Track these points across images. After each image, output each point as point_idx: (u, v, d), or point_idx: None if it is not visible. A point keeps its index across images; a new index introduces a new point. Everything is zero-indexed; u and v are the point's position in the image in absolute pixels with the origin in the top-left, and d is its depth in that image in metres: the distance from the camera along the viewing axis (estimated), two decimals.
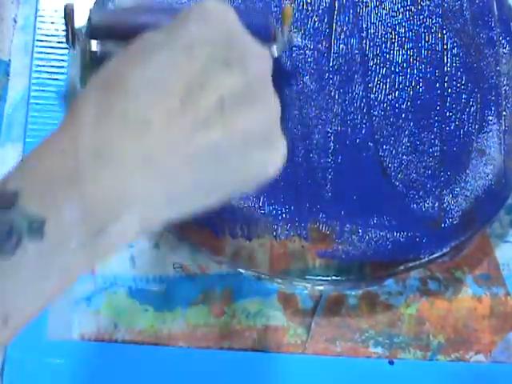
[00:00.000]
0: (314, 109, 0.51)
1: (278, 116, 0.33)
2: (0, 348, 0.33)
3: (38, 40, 0.53)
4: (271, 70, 0.33)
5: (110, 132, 0.29)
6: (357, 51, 0.53)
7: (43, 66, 0.52)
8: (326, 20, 0.53)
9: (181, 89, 0.30)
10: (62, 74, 0.52)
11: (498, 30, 0.55)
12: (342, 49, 0.53)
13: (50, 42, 0.53)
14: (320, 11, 0.53)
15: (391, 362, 0.49)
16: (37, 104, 0.51)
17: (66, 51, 0.52)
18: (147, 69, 0.30)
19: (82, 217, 0.28)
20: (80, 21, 0.53)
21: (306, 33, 0.53)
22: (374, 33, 0.53)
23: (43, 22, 0.53)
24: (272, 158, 0.33)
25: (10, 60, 0.53)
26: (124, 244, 0.30)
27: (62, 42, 0.52)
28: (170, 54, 0.31)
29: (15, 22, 0.53)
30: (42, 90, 0.51)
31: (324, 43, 0.53)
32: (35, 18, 0.53)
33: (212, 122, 0.30)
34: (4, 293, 0.28)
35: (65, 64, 0.52)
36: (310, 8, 0.53)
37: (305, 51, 0.52)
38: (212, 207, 0.33)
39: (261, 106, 0.32)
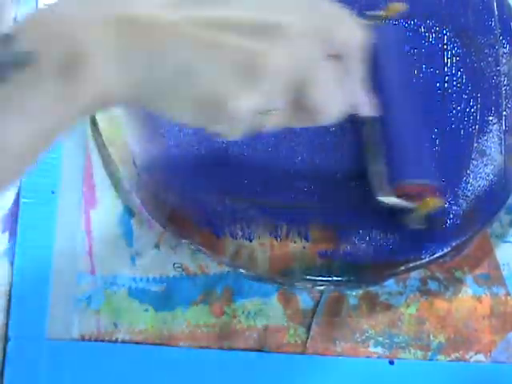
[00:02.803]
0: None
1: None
2: None
3: None
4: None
5: None
6: None
7: None
8: None
9: None
10: None
11: (499, 29, 0.55)
12: None
13: None
14: None
15: (391, 362, 0.49)
16: None
17: None
18: None
19: (60, 50, 0.30)
20: None
21: None
22: None
23: None
24: (241, 95, 0.33)
25: None
26: (97, 98, 0.31)
27: None
28: None
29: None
30: None
31: None
32: None
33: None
34: None
35: None
36: None
37: None
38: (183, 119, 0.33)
39: (265, 45, 0.32)
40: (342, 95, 0.36)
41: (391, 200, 0.45)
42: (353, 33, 0.36)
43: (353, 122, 0.46)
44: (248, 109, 0.33)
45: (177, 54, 0.32)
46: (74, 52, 0.31)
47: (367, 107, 0.40)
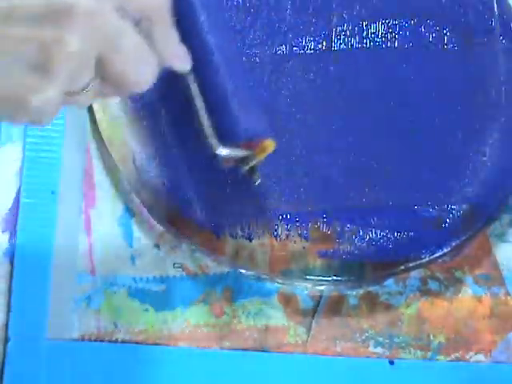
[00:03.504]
0: (313, 112, 0.51)
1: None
2: None
3: None
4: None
5: None
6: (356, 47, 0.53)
7: None
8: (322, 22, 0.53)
9: None
10: None
11: (498, 29, 0.55)
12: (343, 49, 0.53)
13: None
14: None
15: (391, 362, 0.49)
16: None
17: None
18: None
19: None
20: None
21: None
22: (373, 32, 0.53)
23: None
24: (37, 89, 0.31)
25: None
26: None
27: None
28: None
29: None
30: None
31: (324, 43, 0.53)
32: None
33: None
34: None
35: None
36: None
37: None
38: None
39: (55, 32, 0.31)
40: (148, 58, 0.35)
41: (228, 153, 0.44)
42: None
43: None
44: (53, 98, 0.32)
45: None
46: None
47: (179, 62, 0.39)
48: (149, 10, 0.35)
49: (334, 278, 0.48)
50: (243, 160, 0.44)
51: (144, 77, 0.35)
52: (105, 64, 0.33)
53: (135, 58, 0.34)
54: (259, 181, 0.47)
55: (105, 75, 0.33)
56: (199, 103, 0.43)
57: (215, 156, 0.43)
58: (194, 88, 0.43)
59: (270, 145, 0.44)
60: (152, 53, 0.35)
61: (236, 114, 0.43)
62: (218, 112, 0.43)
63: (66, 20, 0.31)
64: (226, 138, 0.43)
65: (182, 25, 0.39)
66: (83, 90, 0.33)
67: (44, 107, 0.32)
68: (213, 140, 0.43)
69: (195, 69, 0.41)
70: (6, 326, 0.47)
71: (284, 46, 0.52)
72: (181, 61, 0.39)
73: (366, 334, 0.49)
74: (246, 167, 0.45)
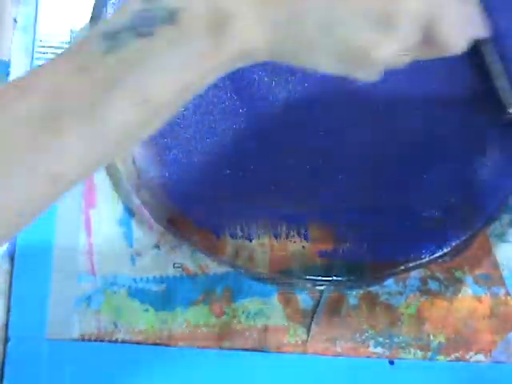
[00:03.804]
0: (311, 111, 0.51)
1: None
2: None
3: (38, 40, 0.53)
4: None
5: None
6: None
7: None
8: None
9: None
10: None
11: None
12: None
13: (50, 42, 0.53)
14: None
15: (391, 362, 0.49)
16: None
17: None
18: None
19: (207, 9, 0.32)
20: (81, 22, 0.53)
21: None
22: None
23: (43, 22, 0.53)
24: (381, 44, 0.34)
25: (9, 60, 0.53)
26: (243, 54, 0.33)
27: (61, 42, 0.52)
28: None
29: (15, 21, 0.53)
30: None
31: None
32: (35, 18, 0.53)
33: None
34: (143, 75, 0.31)
35: None
36: None
37: None
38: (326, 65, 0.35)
39: None
40: (465, 24, 0.37)
41: None
42: None
43: None
44: (389, 55, 0.34)
45: (315, 9, 0.33)
46: (219, 11, 0.32)
47: (484, 29, 0.41)
48: None
49: (334, 278, 0.48)
50: None
51: (463, 40, 0.37)
52: (433, 26, 0.35)
53: (459, 23, 0.36)
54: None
55: (429, 37, 0.36)
56: (499, 68, 0.50)
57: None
58: (494, 54, 0.50)
59: None
60: (471, 19, 0.38)
61: None
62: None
63: None
64: None
65: None
66: (408, 51, 0.36)
67: (380, 63, 0.35)
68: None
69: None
70: (6, 325, 0.47)
71: None
72: (482, 29, 0.41)
73: (366, 334, 0.49)
74: None
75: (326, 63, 0.35)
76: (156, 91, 0.32)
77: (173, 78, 0.32)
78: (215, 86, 0.50)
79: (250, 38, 0.33)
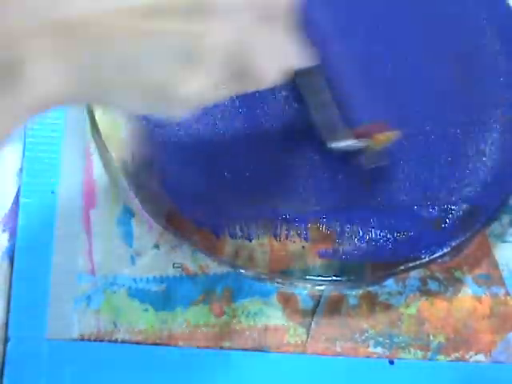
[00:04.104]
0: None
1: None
2: None
3: None
4: None
5: None
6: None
7: None
8: None
9: None
10: None
11: (496, 29, 0.55)
12: None
13: None
14: None
15: (391, 362, 0.49)
16: None
17: None
18: None
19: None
20: None
21: None
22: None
23: None
24: (184, 80, 0.32)
25: None
26: (39, 102, 0.30)
27: None
28: None
29: None
30: None
31: None
32: None
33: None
34: None
35: None
36: None
37: None
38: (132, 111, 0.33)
39: (202, 25, 0.31)
40: (280, 54, 0.36)
41: (346, 143, 0.44)
42: None
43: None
44: (197, 90, 0.33)
45: (114, 49, 0.31)
46: (8, 61, 0.29)
47: (305, 58, 0.39)
48: (276, 8, 0.35)
49: (334, 278, 0.48)
50: (360, 151, 0.45)
51: (277, 72, 0.36)
52: (241, 59, 0.33)
53: (272, 53, 0.35)
54: (387, 162, 0.48)
55: (238, 70, 0.34)
56: (325, 95, 0.45)
57: (331, 148, 0.45)
58: (321, 80, 0.45)
59: (390, 136, 0.44)
60: (284, 48, 0.36)
61: (358, 103, 0.45)
62: (343, 102, 0.45)
63: (211, 13, 0.31)
64: (351, 121, 0.45)
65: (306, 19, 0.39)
66: (220, 85, 0.34)
67: (189, 100, 0.33)
68: (337, 127, 0.45)
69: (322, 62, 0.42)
70: (6, 325, 0.47)
71: None
72: (305, 58, 0.39)
73: (366, 334, 0.49)
74: (367, 159, 0.46)
75: (131, 104, 0.33)
76: None
77: None
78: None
79: (43, 86, 0.30)
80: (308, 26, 0.40)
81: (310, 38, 0.39)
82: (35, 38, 0.29)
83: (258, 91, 0.49)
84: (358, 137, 0.45)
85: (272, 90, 0.51)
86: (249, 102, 0.51)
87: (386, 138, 0.44)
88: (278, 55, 0.36)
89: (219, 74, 0.33)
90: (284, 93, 0.51)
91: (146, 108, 0.34)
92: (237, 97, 0.50)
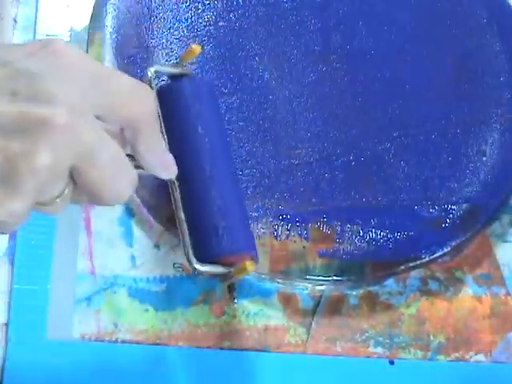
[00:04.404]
0: (314, 113, 0.51)
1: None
2: None
3: (38, 40, 0.53)
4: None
5: None
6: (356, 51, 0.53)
7: None
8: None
9: None
10: None
11: (496, 29, 0.55)
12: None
13: None
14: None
15: (391, 362, 0.49)
16: None
17: None
18: None
19: None
20: (81, 22, 0.53)
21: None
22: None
23: (43, 22, 0.53)
24: (4, 204, 0.29)
25: None
26: None
27: None
28: None
29: (15, 21, 0.53)
30: None
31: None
32: (35, 18, 0.53)
33: None
34: None
35: None
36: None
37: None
38: None
39: (24, 146, 0.29)
40: (126, 172, 0.33)
41: (206, 270, 0.43)
42: (141, 107, 0.33)
43: None
44: (18, 211, 0.30)
45: None
46: None
47: (165, 171, 0.37)
48: (134, 120, 0.33)
49: (334, 278, 0.48)
50: (222, 276, 0.43)
51: (121, 190, 0.33)
52: (79, 175, 0.31)
53: (112, 171, 0.32)
54: (236, 300, 0.47)
55: (79, 186, 0.32)
56: (180, 214, 0.43)
57: (194, 270, 0.43)
58: (177, 197, 0.43)
59: (249, 266, 0.41)
60: (131, 166, 0.33)
61: (220, 227, 0.43)
62: (200, 223, 0.43)
63: (39, 133, 0.29)
64: (206, 252, 0.43)
65: (169, 130, 0.38)
66: (55, 198, 0.32)
67: (8, 220, 0.30)
68: (190, 254, 0.43)
69: (181, 177, 0.40)
70: (6, 325, 0.47)
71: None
72: (167, 170, 0.37)
73: (366, 334, 0.49)
74: (225, 284, 0.44)
75: None
76: None
77: None
78: (219, 91, 0.50)
79: None
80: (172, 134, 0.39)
81: (172, 148, 0.38)
82: None
83: None
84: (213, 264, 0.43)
85: None
86: (249, 103, 0.51)
87: (245, 267, 0.42)
88: (123, 171, 0.33)
89: (51, 190, 0.31)
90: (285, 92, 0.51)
91: None
92: (237, 97, 0.50)
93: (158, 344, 0.47)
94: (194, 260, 0.42)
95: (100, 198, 0.32)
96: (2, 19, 0.53)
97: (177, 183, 0.42)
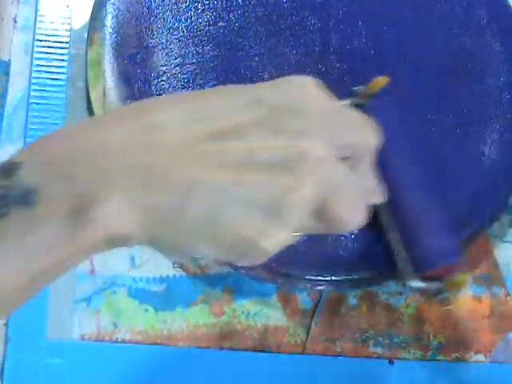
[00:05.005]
0: None
1: (303, 198, 0.31)
2: None
3: (38, 40, 0.53)
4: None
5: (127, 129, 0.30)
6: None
7: (43, 65, 0.52)
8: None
9: (220, 124, 0.31)
10: (62, 73, 0.52)
11: (496, 29, 0.55)
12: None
13: (50, 41, 0.53)
14: None
15: (391, 362, 0.49)
16: (37, 104, 0.51)
17: (66, 51, 0.52)
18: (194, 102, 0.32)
19: (69, 191, 0.29)
20: (81, 22, 0.53)
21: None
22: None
23: (43, 22, 0.53)
24: (270, 234, 0.31)
25: (9, 60, 0.53)
26: (110, 240, 0.30)
27: (61, 42, 0.52)
28: (232, 95, 0.32)
29: (15, 21, 0.53)
30: (42, 90, 0.51)
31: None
32: (35, 18, 0.53)
33: (232, 165, 0.30)
34: None
35: (65, 64, 0.52)
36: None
37: None
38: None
39: (290, 180, 0.31)
40: (361, 199, 0.35)
41: (420, 285, 0.45)
42: (367, 138, 0.35)
43: None
44: (279, 243, 0.32)
45: (197, 199, 0.30)
46: (84, 194, 0.29)
47: (380, 196, 0.39)
48: (361, 149, 0.35)
49: (334, 278, 0.48)
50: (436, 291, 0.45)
51: (359, 219, 0.34)
52: (326, 207, 0.32)
53: (354, 200, 0.33)
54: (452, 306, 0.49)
55: (323, 216, 0.33)
56: (394, 235, 0.45)
57: (410, 286, 0.45)
58: (387, 219, 0.45)
59: (464, 278, 0.44)
60: (366, 193, 0.35)
61: (429, 240, 0.44)
62: (411, 241, 0.45)
63: (302, 167, 0.31)
64: (419, 266, 0.44)
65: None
66: (298, 233, 0.33)
67: (273, 249, 0.32)
68: (407, 271, 0.44)
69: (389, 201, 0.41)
70: (6, 326, 0.47)
71: None
72: (379, 196, 0.39)
73: (366, 334, 0.49)
74: (438, 298, 0.46)
75: (208, 251, 0.32)
76: (6, 280, 0.28)
77: (24, 266, 0.28)
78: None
79: (119, 223, 0.29)
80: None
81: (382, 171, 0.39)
82: (111, 174, 0.29)
83: None
84: (426, 279, 0.45)
85: None
86: None
87: (459, 280, 0.44)
88: (363, 199, 0.35)
89: (303, 225, 0.32)
90: None
91: (224, 256, 0.33)
92: None
93: (157, 344, 0.47)
94: (413, 276, 0.44)
95: (339, 230, 0.34)
96: (2, 19, 0.53)
97: (386, 207, 0.44)
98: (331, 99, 0.34)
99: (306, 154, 0.31)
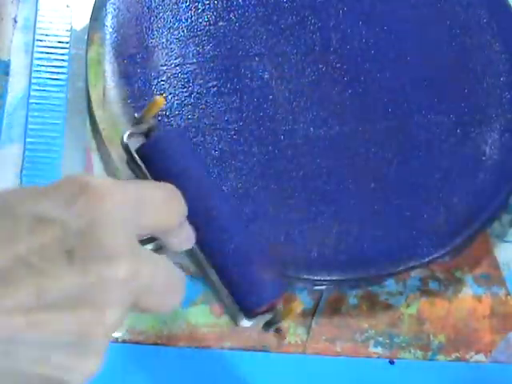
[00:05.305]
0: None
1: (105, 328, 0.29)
2: None
3: (38, 40, 0.53)
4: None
5: None
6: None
7: (43, 65, 0.52)
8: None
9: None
10: (62, 73, 0.52)
11: (496, 29, 0.55)
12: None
13: (50, 41, 0.53)
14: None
15: (391, 362, 0.49)
16: (37, 104, 0.51)
17: (66, 51, 0.52)
18: None
19: None
20: (81, 22, 0.53)
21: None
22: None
23: (43, 22, 0.53)
24: (79, 368, 0.28)
25: (9, 60, 0.53)
26: None
27: (61, 42, 0.52)
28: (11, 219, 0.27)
29: (15, 21, 0.53)
30: (42, 90, 0.51)
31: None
32: (35, 18, 0.53)
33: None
34: None
35: (65, 64, 0.52)
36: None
37: None
38: None
39: (89, 313, 0.28)
40: (179, 285, 0.32)
41: (252, 323, 0.43)
42: (174, 215, 0.33)
43: None
44: (93, 369, 0.30)
45: None
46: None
47: (190, 242, 0.38)
48: (167, 227, 0.33)
49: (334, 277, 0.48)
50: (268, 323, 0.43)
51: (177, 300, 0.33)
52: (139, 304, 0.31)
53: (168, 287, 0.31)
54: (286, 338, 0.48)
55: (137, 308, 0.32)
56: (212, 276, 0.43)
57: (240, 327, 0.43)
58: (202, 259, 0.43)
59: (297, 307, 0.42)
60: (182, 274, 0.33)
61: (247, 275, 0.42)
62: (231, 279, 0.42)
63: (105, 294, 0.28)
64: (245, 306, 0.42)
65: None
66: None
67: (84, 378, 0.30)
68: (234, 312, 0.42)
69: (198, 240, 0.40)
70: None
71: None
72: (190, 241, 0.39)
73: (366, 334, 0.49)
74: (272, 329, 0.43)
75: None
76: None
77: None
78: (219, 91, 0.50)
79: None
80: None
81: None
82: None
83: None
84: (255, 316, 0.43)
85: None
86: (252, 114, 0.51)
87: (292, 308, 0.42)
88: (177, 287, 0.32)
89: (110, 338, 0.30)
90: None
91: None
92: (234, 98, 0.51)
93: (157, 344, 0.47)
94: (240, 317, 0.42)
95: (158, 313, 0.32)
96: (1, 19, 0.53)
97: (197, 246, 0.42)
98: (129, 189, 0.32)
99: (108, 277, 0.28)
